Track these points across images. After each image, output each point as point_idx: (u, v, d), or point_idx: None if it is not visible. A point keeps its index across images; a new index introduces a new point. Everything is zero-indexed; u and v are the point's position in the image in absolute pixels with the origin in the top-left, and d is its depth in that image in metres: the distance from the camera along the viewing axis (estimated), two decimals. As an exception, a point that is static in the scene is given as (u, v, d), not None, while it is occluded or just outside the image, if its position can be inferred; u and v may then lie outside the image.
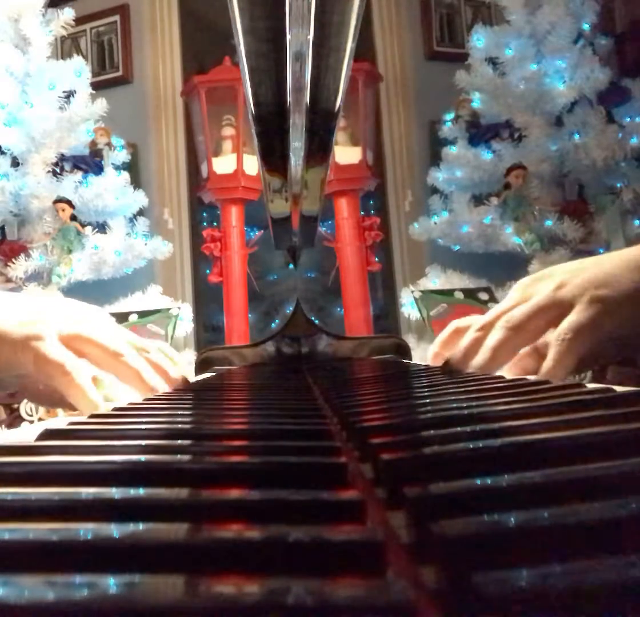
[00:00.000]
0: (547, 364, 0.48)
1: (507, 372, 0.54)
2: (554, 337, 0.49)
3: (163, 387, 0.52)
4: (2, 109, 2.31)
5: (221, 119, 2.51)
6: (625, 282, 0.49)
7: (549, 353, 0.49)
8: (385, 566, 0.13)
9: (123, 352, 0.50)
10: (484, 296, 2.37)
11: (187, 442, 0.26)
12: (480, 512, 0.14)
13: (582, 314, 0.48)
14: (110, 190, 2.42)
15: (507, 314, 0.52)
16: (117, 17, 2.90)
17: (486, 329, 0.53)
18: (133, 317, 2.35)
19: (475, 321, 0.58)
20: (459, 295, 2.38)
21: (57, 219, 2.35)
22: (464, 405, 0.33)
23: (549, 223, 2.33)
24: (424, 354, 0.80)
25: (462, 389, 0.42)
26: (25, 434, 0.31)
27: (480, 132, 2.52)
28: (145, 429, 0.30)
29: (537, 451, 0.21)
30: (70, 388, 0.47)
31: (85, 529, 0.14)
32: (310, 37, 0.31)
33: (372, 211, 2.74)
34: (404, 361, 0.98)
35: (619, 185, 2.36)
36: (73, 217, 2.36)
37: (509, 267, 2.39)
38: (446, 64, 2.72)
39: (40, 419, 1.96)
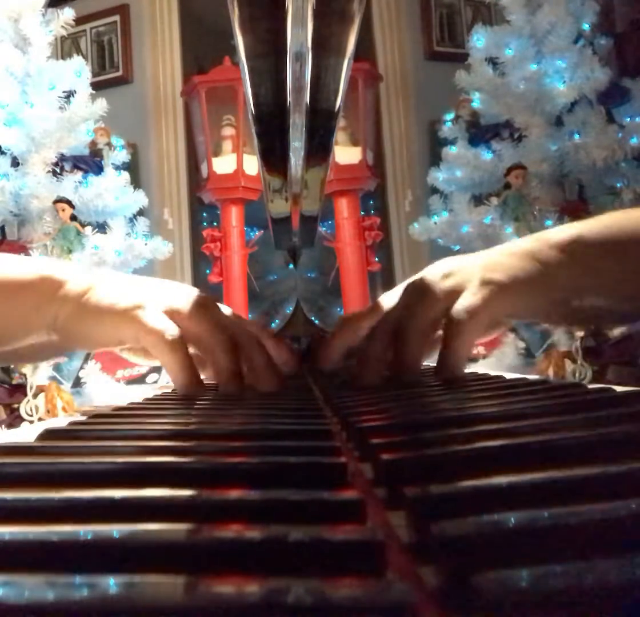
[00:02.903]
0: (447, 351, 0.47)
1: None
2: (448, 322, 0.48)
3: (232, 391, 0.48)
4: (2, 109, 2.31)
5: (221, 119, 2.51)
6: (515, 268, 0.48)
7: (446, 339, 0.47)
8: (385, 566, 0.13)
9: (216, 344, 0.49)
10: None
11: (186, 442, 0.26)
12: (480, 512, 0.14)
13: (475, 296, 0.47)
14: (110, 190, 2.42)
15: (401, 323, 0.49)
16: (117, 17, 2.90)
17: (380, 338, 0.50)
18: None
19: (361, 315, 0.58)
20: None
21: (57, 219, 2.35)
22: (464, 405, 0.33)
23: (549, 223, 2.32)
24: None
25: (462, 389, 0.42)
26: (25, 434, 0.31)
27: (480, 132, 2.52)
28: (146, 429, 0.30)
29: (537, 451, 0.21)
30: (168, 360, 0.47)
31: (85, 530, 0.14)
32: (310, 37, 0.31)
33: (372, 211, 2.74)
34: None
35: (619, 185, 2.35)
36: (73, 217, 2.36)
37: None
38: (446, 64, 2.72)
39: (40, 419, 1.96)
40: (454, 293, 0.49)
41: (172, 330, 0.47)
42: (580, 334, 1.98)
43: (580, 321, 0.51)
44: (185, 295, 0.51)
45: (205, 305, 0.51)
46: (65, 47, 2.87)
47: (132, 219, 2.49)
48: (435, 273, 0.51)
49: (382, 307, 0.56)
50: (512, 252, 0.50)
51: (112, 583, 0.12)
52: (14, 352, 0.54)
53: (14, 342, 0.52)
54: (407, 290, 0.52)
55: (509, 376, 0.52)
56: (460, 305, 0.47)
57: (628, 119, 2.33)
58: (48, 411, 1.98)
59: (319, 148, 0.46)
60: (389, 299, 0.57)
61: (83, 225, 2.39)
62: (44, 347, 0.54)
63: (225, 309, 0.55)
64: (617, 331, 1.96)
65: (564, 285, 0.48)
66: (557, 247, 0.49)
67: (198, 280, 2.73)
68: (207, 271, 2.57)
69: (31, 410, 2.00)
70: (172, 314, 0.49)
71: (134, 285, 0.52)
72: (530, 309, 0.50)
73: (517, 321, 0.52)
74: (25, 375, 2.01)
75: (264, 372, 0.50)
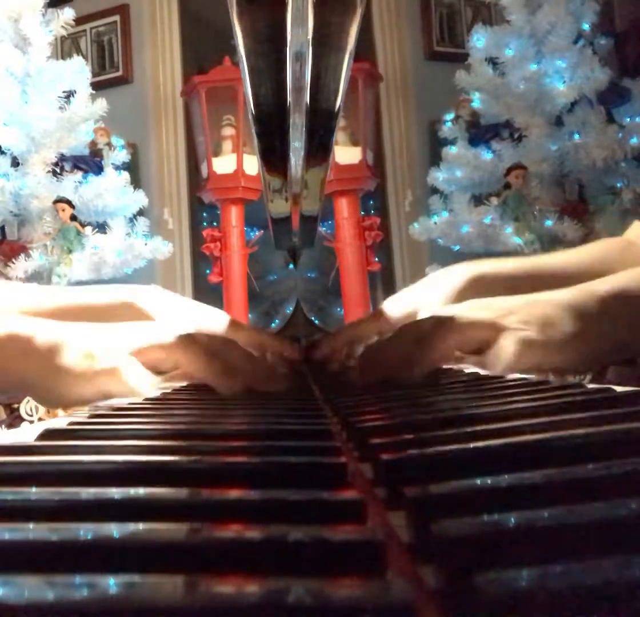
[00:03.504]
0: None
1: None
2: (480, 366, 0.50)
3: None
4: (2, 109, 2.30)
5: (221, 119, 2.51)
6: (553, 324, 0.49)
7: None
8: (385, 566, 0.13)
9: (212, 374, 0.50)
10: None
11: (187, 442, 0.26)
12: (480, 512, 0.14)
13: (507, 350, 0.49)
14: (110, 190, 2.42)
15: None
16: (117, 17, 2.90)
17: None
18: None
19: (365, 319, 0.59)
20: (459, 295, 2.38)
21: (57, 219, 2.35)
22: (464, 405, 0.33)
23: (549, 223, 2.32)
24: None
25: (462, 389, 0.42)
26: (25, 434, 0.31)
27: (480, 132, 2.51)
28: (146, 428, 0.30)
29: (537, 451, 0.21)
30: None
31: (85, 529, 0.14)
32: (310, 37, 0.31)
33: (372, 211, 2.73)
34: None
35: (619, 185, 2.35)
36: (73, 217, 2.36)
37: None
38: (446, 64, 2.72)
39: (40, 419, 1.96)
40: (490, 332, 0.50)
41: (148, 390, 0.48)
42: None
43: (602, 365, 0.54)
44: (167, 334, 0.52)
45: (190, 341, 0.51)
46: (65, 47, 2.87)
47: (132, 219, 2.49)
48: (475, 306, 0.52)
49: (385, 313, 0.57)
50: (554, 304, 0.51)
51: (112, 583, 0.12)
52: None
53: None
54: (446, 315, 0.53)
55: (509, 376, 0.52)
56: (496, 356, 0.49)
57: (628, 119, 2.33)
58: (48, 411, 1.98)
59: (319, 148, 0.46)
60: (393, 306, 0.57)
61: (83, 225, 2.39)
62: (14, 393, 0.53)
63: (215, 320, 0.56)
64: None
65: (601, 340, 0.49)
66: (601, 301, 0.49)
67: (198, 280, 2.73)
68: (207, 271, 2.57)
69: (31, 410, 2.00)
70: (158, 355, 0.50)
71: (108, 337, 0.51)
72: (559, 363, 0.51)
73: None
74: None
75: (267, 380, 0.51)
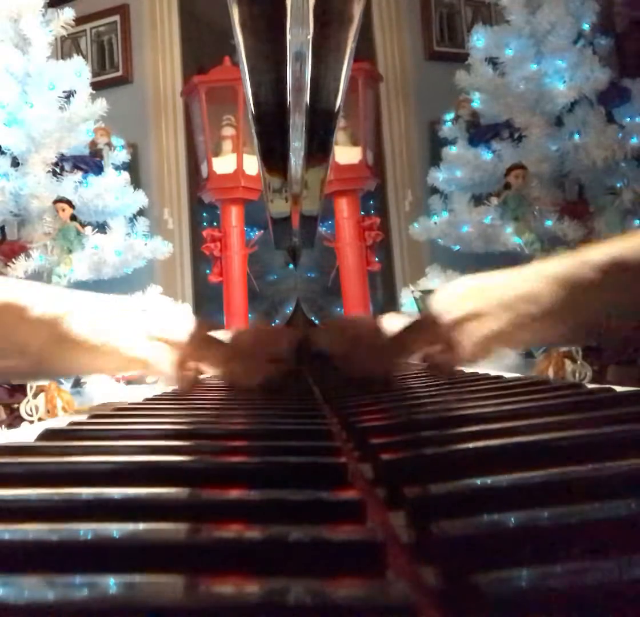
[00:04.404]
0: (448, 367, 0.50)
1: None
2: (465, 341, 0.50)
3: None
4: (2, 109, 2.30)
5: (221, 119, 2.51)
6: (543, 296, 0.49)
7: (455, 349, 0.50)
8: (385, 566, 0.13)
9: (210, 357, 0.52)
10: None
11: (187, 442, 0.26)
12: (480, 512, 0.14)
13: (492, 327, 0.49)
14: (110, 190, 2.42)
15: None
16: (117, 17, 2.90)
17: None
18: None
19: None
20: (459, 295, 2.37)
21: (57, 219, 2.35)
22: (464, 405, 0.33)
23: (549, 223, 2.32)
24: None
25: (462, 390, 0.42)
26: (25, 434, 0.31)
27: (480, 132, 2.51)
28: (146, 429, 0.30)
29: (537, 451, 0.21)
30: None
31: (85, 529, 0.14)
32: (310, 37, 0.31)
33: (372, 211, 2.73)
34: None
35: (619, 185, 2.35)
36: (73, 217, 2.36)
37: (509, 267, 2.38)
38: (446, 64, 2.72)
39: (40, 419, 1.96)
40: (472, 316, 0.49)
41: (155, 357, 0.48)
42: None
43: (600, 340, 0.52)
44: (165, 318, 0.53)
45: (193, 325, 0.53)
46: (65, 47, 2.87)
47: (132, 219, 2.49)
48: (453, 293, 0.52)
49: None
50: (543, 276, 0.50)
51: (112, 583, 0.12)
52: None
53: None
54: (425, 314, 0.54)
55: (509, 375, 0.52)
56: (476, 336, 0.49)
57: (628, 119, 2.33)
58: (48, 411, 1.98)
59: (319, 148, 0.46)
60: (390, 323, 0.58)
61: (83, 225, 2.39)
62: (10, 371, 0.53)
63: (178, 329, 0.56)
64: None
65: (596, 308, 0.48)
66: (596, 269, 0.48)
67: (198, 280, 2.73)
68: (207, 271, 2.57)
69: (31, 410, 2.00)
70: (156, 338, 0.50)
71: (112, 310, 0.51)
72: (549, 338, 0.50)
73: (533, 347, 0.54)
74: (25, 375, 2.00)
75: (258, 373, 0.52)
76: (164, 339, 0.50)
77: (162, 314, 0.53)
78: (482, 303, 0.50)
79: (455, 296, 0.52)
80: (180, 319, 0.54)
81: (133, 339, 0.48)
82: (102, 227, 2.44)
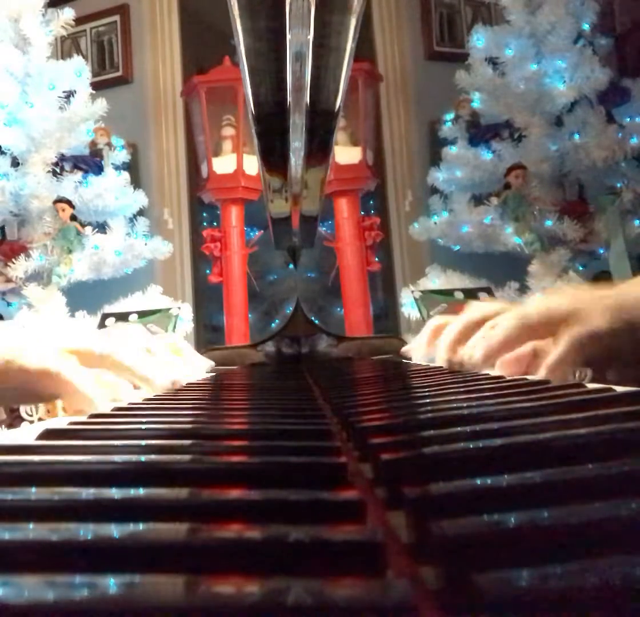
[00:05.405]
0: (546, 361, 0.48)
1: (501, 367, 0.54)
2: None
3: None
4: (2, 109, 2.31)
5: (221, 119, 2.51)
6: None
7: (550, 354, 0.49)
8: (385, 566, 0.13)
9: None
10: (484, 296, 2.37)
11: (187, 442, 0.26)
12: (480, 512, 0.14)
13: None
14: (110, 190, 2.42)
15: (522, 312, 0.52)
16: (117, 17, 2.90)
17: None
18: (133, 317, 2.34)
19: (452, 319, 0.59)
20: (459, 295, 2.38)
21: (57, 219, 2.35)
22: (464, 405, 0.33)
23: (549, 223, 2.32)
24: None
25: (462, 389, 0.42)
26: (25, 434, 0.31)
27: (480, 132, 2.52)
28: (145, 429, 0.30)
29: (537, 451, 0.21)
30: (60, 386, 0.46)
31: (85, 529, 0.14)
32: (310, 37, 0.31)
33: (372, 211, 2.74)
34: (404, 360, 0.98)
35: (619, 185, 2.35)
36: (73, 217, 2.36)
37: (509, 267, 2.39)
38: (446, 64, 2.72)
39: (40, 419, 1.96)
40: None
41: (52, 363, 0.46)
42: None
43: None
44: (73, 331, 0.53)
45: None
46: (65, 47, 2.87)
47: (132, 219, 2.50)
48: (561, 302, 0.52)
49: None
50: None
51: (112, 583, 0.12)
52: None
53: None
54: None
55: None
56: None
57: (628, 119, 2.33)
58: (48, 411, 1.98)
59: (319, 148, 0.46)
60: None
61: (83, 225, 2.39)
62: None
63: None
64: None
65: None
66: None
67: (198, 280, 2.73)
68: (207, 271, 2.57)
69: (31, 410, 2.00)
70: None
71: (14, 332, 0.50)
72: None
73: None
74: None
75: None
76: (74, 351, 0.49)
77: (68, 329, 0.53)
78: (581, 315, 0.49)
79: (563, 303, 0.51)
80: (86, 332, 0.54)
81: (41, 354, 0.46)
82: (102, 227, 2.45)
